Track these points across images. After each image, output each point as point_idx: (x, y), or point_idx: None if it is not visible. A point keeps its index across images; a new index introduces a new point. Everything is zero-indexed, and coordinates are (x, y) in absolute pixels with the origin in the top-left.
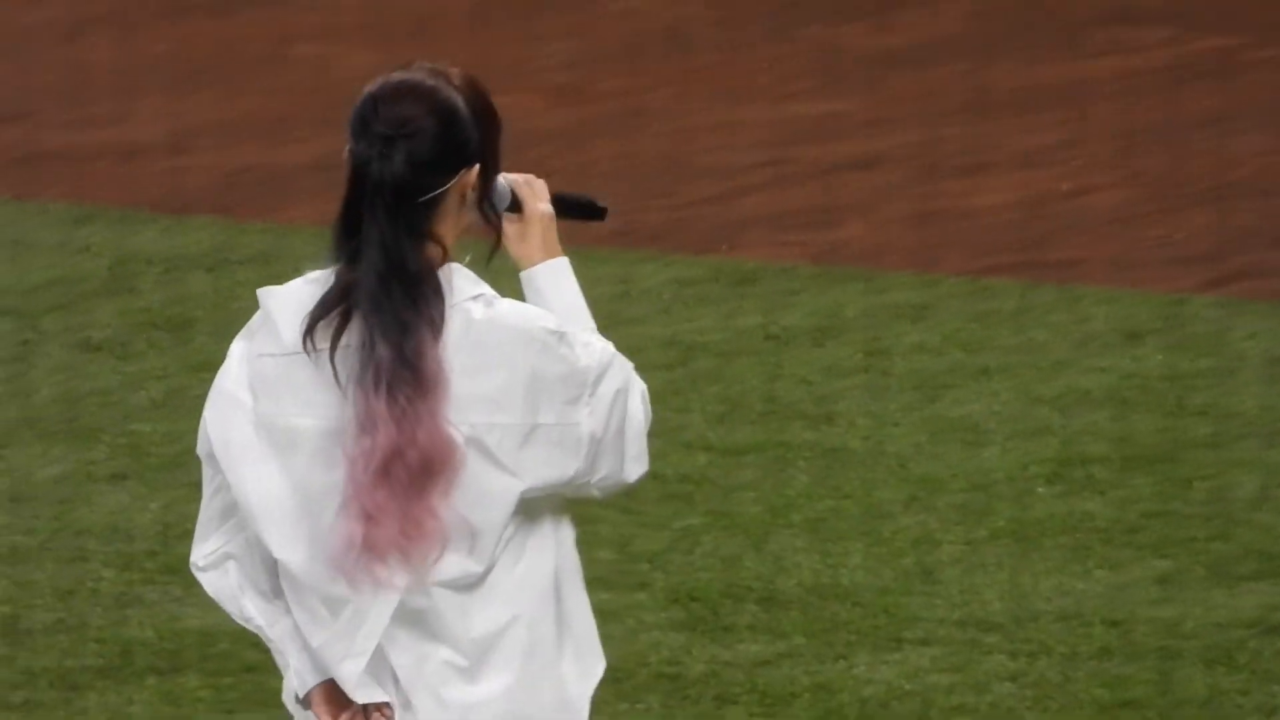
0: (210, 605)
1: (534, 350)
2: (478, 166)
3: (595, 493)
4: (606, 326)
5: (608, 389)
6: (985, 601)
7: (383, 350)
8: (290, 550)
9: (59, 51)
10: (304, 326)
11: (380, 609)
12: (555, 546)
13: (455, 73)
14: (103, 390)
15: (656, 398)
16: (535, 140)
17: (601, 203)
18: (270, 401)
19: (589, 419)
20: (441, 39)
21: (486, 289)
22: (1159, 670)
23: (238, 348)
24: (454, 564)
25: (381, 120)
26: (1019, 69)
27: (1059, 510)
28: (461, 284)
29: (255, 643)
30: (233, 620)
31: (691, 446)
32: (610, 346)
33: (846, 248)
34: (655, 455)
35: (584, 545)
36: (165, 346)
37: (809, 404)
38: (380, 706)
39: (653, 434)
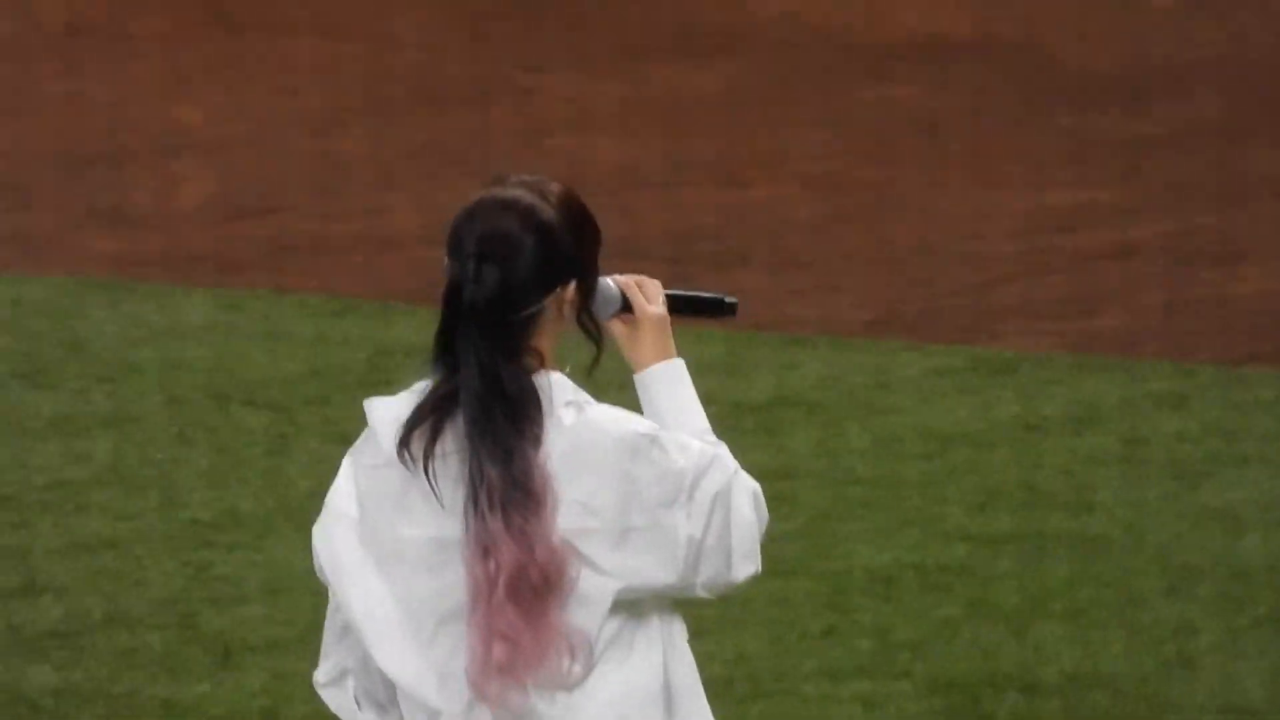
0: None
1: (625, 454)
2: (575, 282)
3: (702, 593)
4: (864, 416)
5: (707, 491)
6: (1246, 690)
7: (491, 472)
8: (399, 665)
9: (312, 143)
10: (398, 436)
11: (507, 710)
12: (665, 647)
13: (552, 188)
14: None
15: (915, 486)
16: (789, 229)
17: (730, 299)
18: (376, 513)
19: (686, 521)
20: (693, 130)
21: (580, 395)
22: None
23: (345, 463)
24: (557, 664)
25: (475, 239)
26: (1275, 154)
27: None
28: (556, 392)
29: None
30: None
31: (950, 536)
32: (712, 449)
33: (1103, 336)
34: (914, 545)
35: (844, 635)
36: None
37: (1067, 492)
38: None
39: (912, 523)
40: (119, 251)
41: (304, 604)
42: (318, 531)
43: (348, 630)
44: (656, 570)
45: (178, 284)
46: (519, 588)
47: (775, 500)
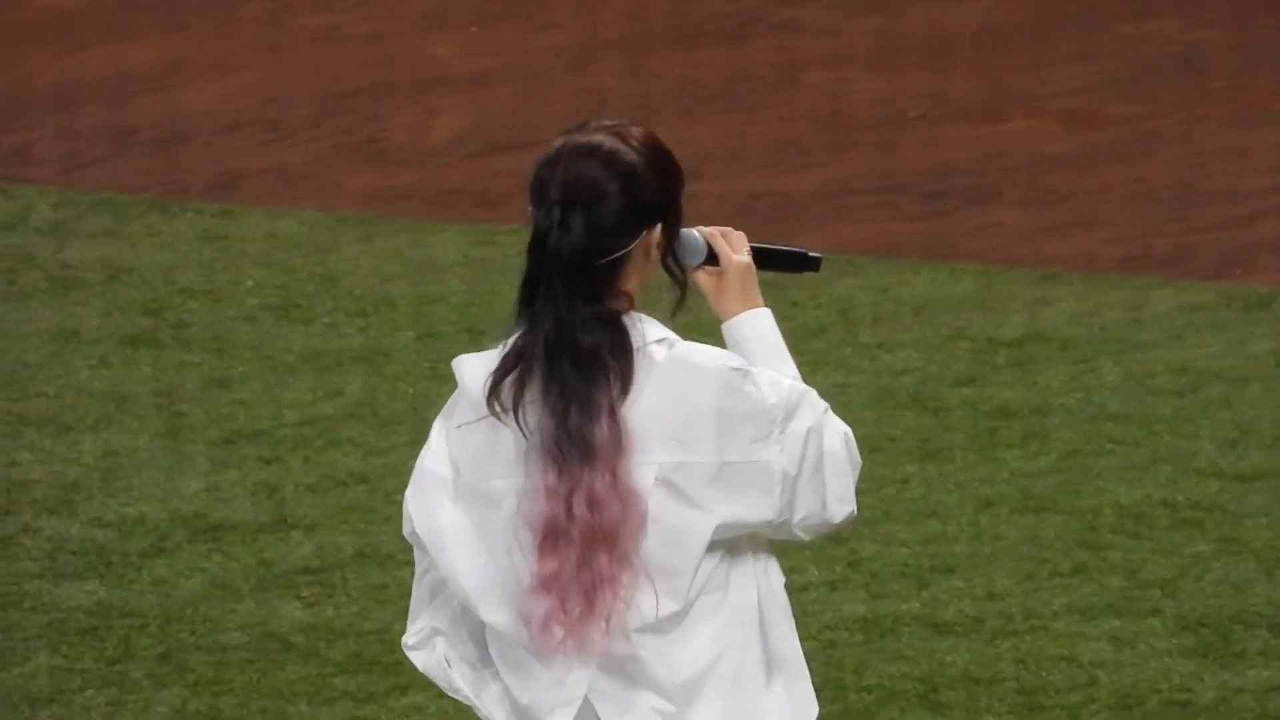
0: None
1: (717, 387)
2: (660, 225)
3: (800, 534)
4: (1117, 352)
5: (799, 426)
6: None
7: (546, 424)
8: (497, 613)
9: (568, 77)
10: (487, 388)
11: (585, 659)
12: (758, 582)
13: (634, 131)
14: None
15: (1167, 423)
16: (1046, 165)
17: (814, 254)
18: (471, 469)
19: (780, 456)
20: (950, 65)
21: (671, 334)
22: None
23: (437, 426)
24: (652, 606)
25: (559, 186)
26: None
27: None
28: (646, 329)
29: None
30: None
31: (1202, 473)
32: (802, 386)
33: None
34: (1166, 481)
35: (1094, 572)
36: None
37: None
38: None
39: (1164, 460)
40: (374, 186)
41: None
42: (412, 494)
43: (437, 592)
44: (753, 506)
45: (432, 219)
46: (559, 542)
47: (1027, 437)
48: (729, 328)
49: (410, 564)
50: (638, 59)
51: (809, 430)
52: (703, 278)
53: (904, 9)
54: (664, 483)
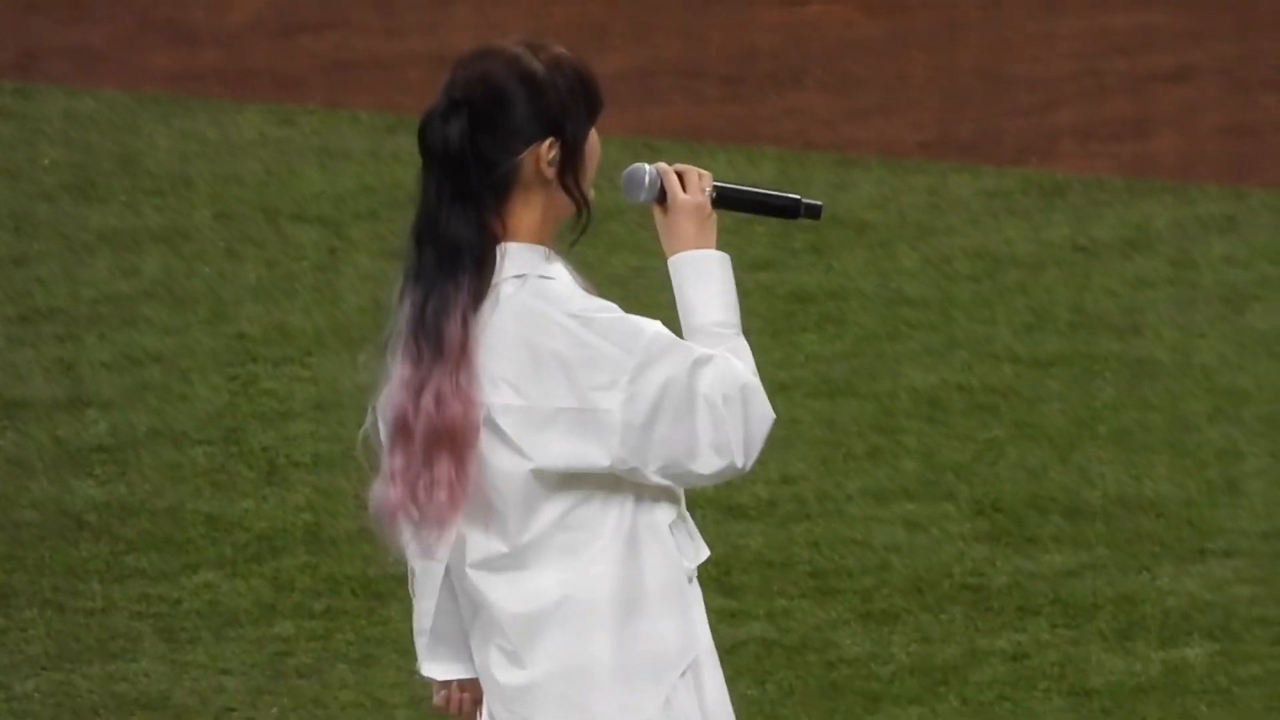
0: None
1: (554, 333)
2: (553, 141)
3: (662, 479)
4: (915, 237)
5: (655, 377)
6: None
7: (408, 311)
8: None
9: None
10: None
11: (427, 583)
12: (633, 520)
13: (552, 49)
14: None
15: (964, 308)
16: (849, 50)
17: (810, 201)
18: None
19: (625, 407)
20: None
21: (534, 269)
22: None
23: None
24: (480, 545)
25: (456, 82)
26: None
27: None
28: (511, 263)
29: None
30: None
31: (998, 358)
32: (667, 336)
33: (1157, 160)
34: (962, 366)
35: (890, 457)
36: None
37: (1116, 315)
38: (462, 684)
39: (960, 345)
40: (174, 66)
41: (350, 421)
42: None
43: None
44: (585, 454)
45: (232, 99)
46: (406, 433)
47: (824, 320)
48: (671, 265)
49: (206, 442)
50: None
51: (667, 380)
52: (656, 214)
53: None
54: (489, 424)
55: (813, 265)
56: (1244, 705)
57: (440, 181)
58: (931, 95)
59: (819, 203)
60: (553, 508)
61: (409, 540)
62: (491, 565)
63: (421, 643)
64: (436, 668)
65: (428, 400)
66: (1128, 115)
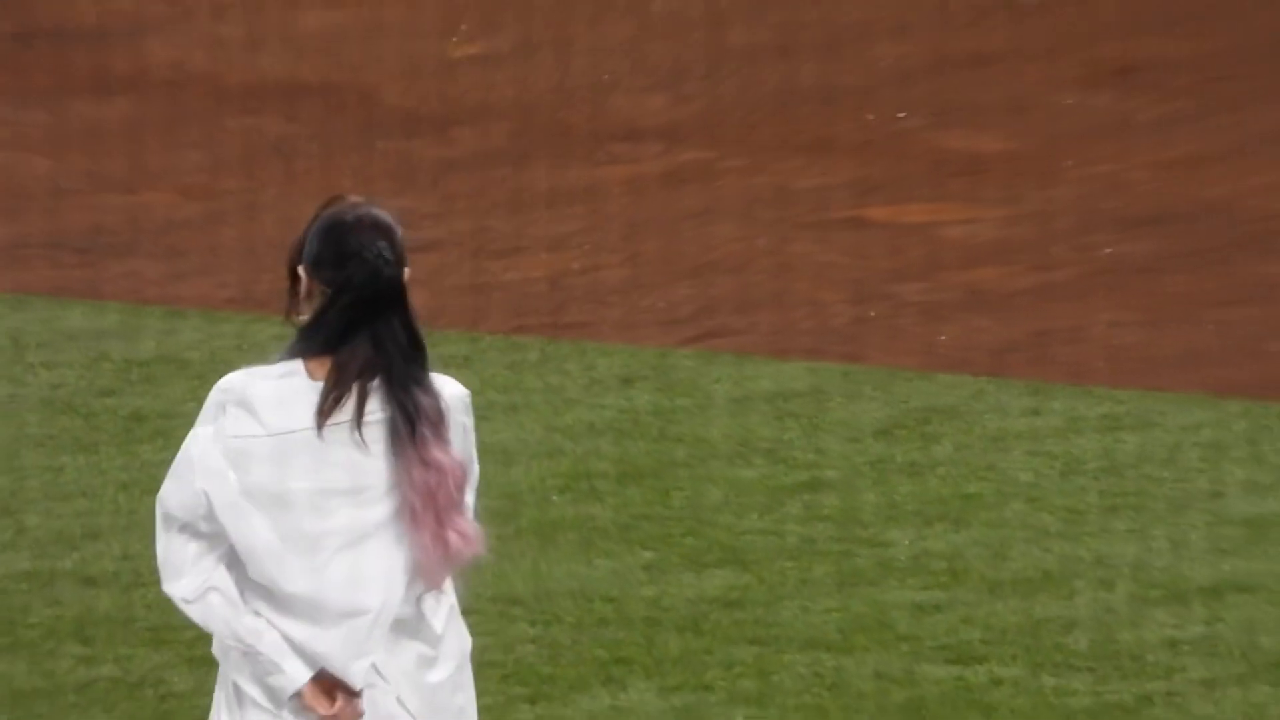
0: None
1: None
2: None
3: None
4: (227, 369)
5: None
6: (512, 583)
7: (398, 416)
8: (297, 583)
9: None
10: (319, 409)
11: (385, 619)
12: None
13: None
14: None
15: None
16: (173, 227)
17: None
18: (254, 473)
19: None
20: (105, 150)
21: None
22: (645, 635)
23: (205, 431)
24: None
25: (376, 242)
26: (550, 173)
27: (569, 513)
28: None
29: None
30: None
31: None
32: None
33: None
34: None
35: None
36: None
37: None
38: (359, 691)
39: None
40: None
41: None
42: (202, 480)
43: (202, 556)
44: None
45: None
46: (458, 495)
47: (155, 435)
48: None
49: None
50: None
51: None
52: None
53: (64, 104)
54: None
55: (146, 392)
56: None
57: (389, 309)
58: (240, 261)
59: None
60: None
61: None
62: (433, 593)
63: (365, 666)
64: (373, 678)
65: (453, 466)
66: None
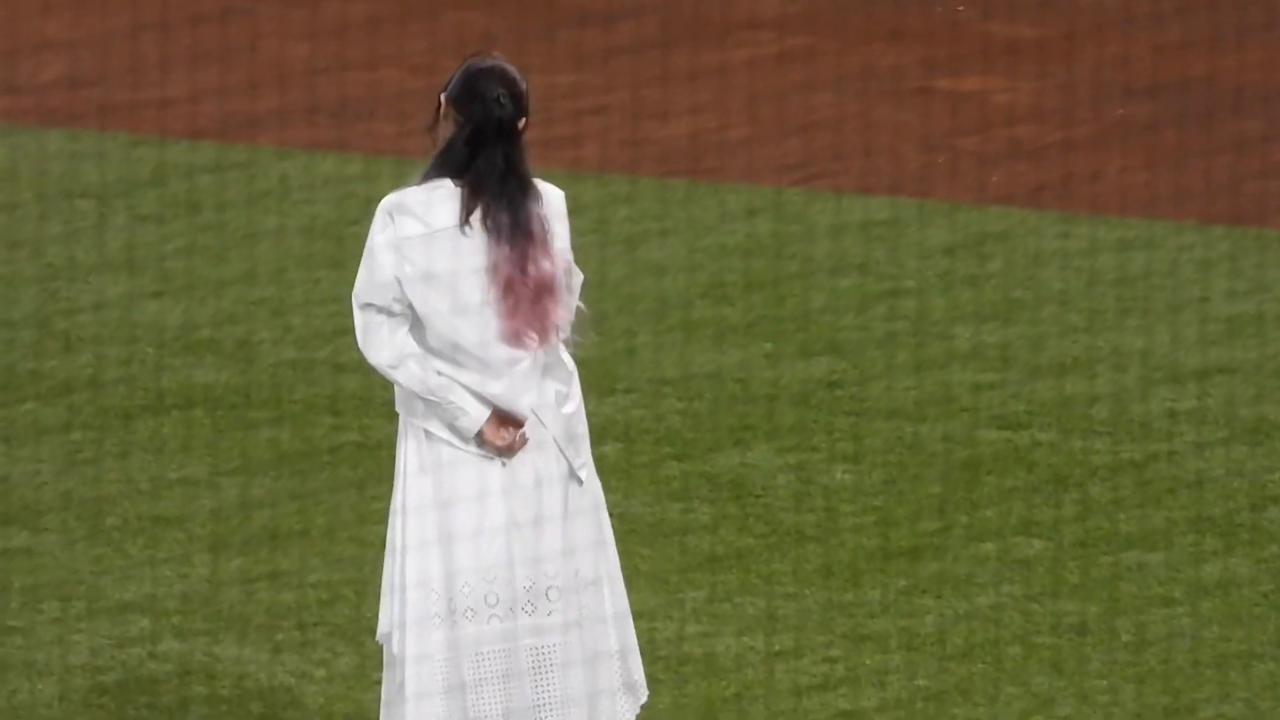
0: None
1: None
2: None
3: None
4: None
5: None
6: (663, 368)
7: (504, 221)
8: (469, 339)
9: None
10: (462, 214)
11: (539, 363)
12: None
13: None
14: None
15: None
16: (404, 96)
17: None
18: (421, 260)
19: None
20: None
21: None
22: (765, 408)
23: (381, 236)
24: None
25: (500, 85)
26: (690, 55)
27: (708, 314)
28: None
29: None
30: None
31: None
32: None
33: None
34: None
35: None
36: None
37: None
38: (524, 421)
39: None
40: None
41: None
42: (394, 269)
43: (395, 330)
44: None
45: None
46: (516, 290)
47: None
48: None
49: None
50: None
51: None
52: None
53: (317, 3)
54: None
55: None
56: None
57: (509, 144)
58: None
59: None
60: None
61: (527, 345)
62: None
63: (532, 400)
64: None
65: (528, 269)
66: None
